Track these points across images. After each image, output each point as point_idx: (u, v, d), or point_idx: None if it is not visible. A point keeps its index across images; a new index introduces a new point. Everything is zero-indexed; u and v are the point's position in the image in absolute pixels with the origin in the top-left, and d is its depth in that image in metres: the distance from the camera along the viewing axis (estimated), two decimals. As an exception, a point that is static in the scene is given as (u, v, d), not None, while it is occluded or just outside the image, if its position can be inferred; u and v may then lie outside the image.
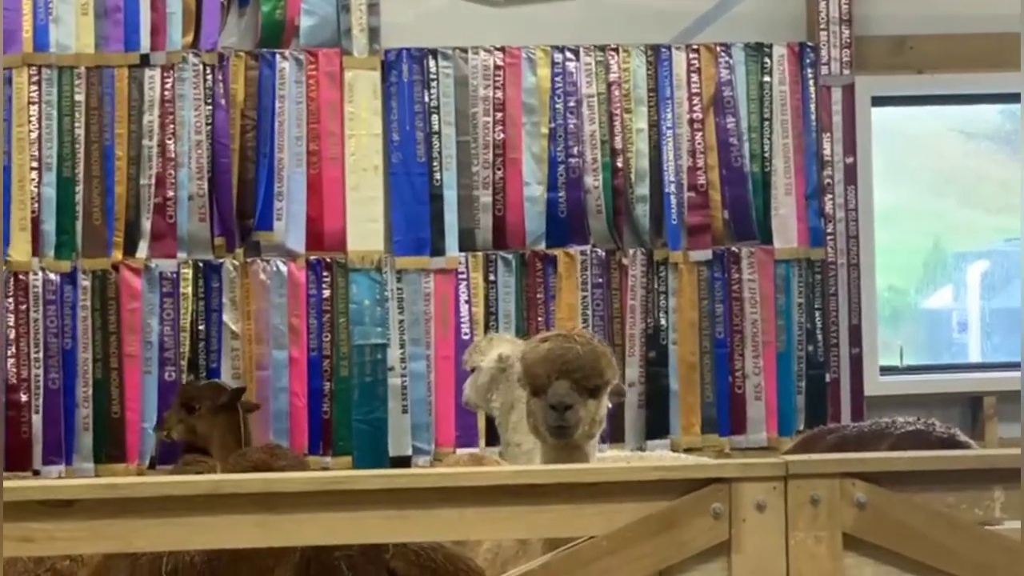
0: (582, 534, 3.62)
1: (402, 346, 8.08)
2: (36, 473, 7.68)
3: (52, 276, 7.84)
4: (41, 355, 7.78)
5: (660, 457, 6.66)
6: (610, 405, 4.54)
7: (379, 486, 3.59)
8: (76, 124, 7.92)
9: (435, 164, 8.15)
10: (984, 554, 3.63)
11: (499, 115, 8.20)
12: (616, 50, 8.27)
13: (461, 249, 8.15)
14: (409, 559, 4.65)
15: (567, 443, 4.39)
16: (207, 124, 7.99)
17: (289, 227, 8.04)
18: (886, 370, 8.56)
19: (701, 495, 3.62)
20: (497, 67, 8.21)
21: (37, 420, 7.75)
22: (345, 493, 3.56)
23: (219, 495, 3.54)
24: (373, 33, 8.12)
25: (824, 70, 8.38)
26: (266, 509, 3.54)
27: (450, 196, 8.16)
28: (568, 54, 8.25)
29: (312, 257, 8.05)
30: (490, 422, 7.76)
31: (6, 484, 3.83)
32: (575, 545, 3.62)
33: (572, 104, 8.23)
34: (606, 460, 5.16)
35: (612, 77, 8.25)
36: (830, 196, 8.38)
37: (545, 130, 8.22)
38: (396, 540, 4.16)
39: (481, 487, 3.62)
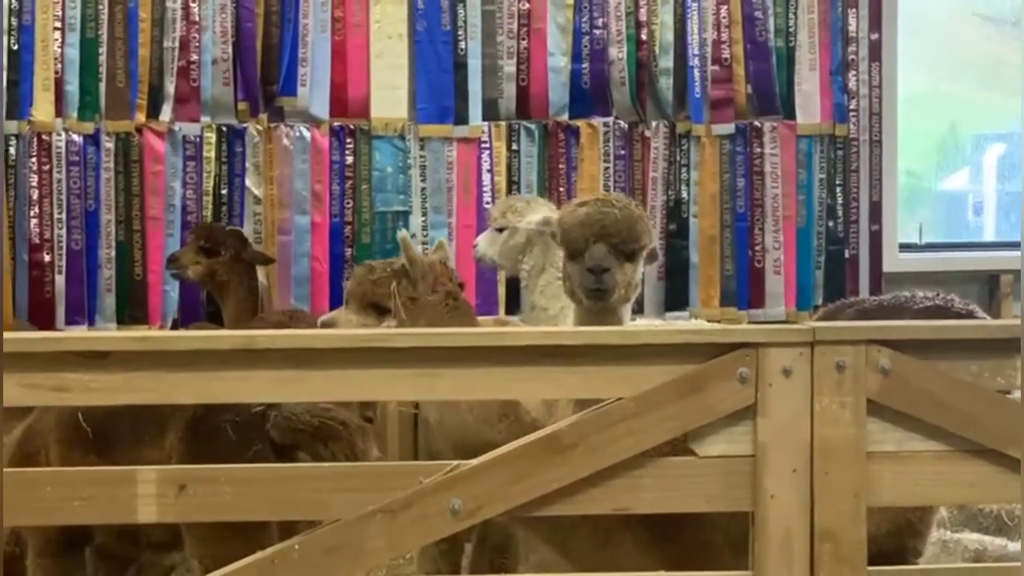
0: (610, 396, 3.68)
1: (424, 214, 8.10)
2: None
3: (75, 137, 7.83)
4: (64, 216, 7.80)
5: (695, 323, 6.70)
6: (644, 270, 4.58)
7: (411, 344, 3.64)
8: (100, -16, 7.88)
9: (460, 33, 8.11)
10: (1006, 421, 3.68)
11: (524, -16, 8.16)
12: (644, -81, 8.20)
13: (484, 118, 8.14)
14: (286, 426, 4.76)
15: (603, 306, 4.42)
16: (231, -12, 7.95)
17: (313, 93, 8.02)
18: (905, 247, 8.57)
19: (728, 359, 3.67)
20: (523, -65, 8.16)
21: (60, 280, 7.79)
22: (378, 351, 3.61)
23: (253, 350, 3.59)
24: (402, -103, 8.06)
25: (851, -56, 8.31)
26: (299, 365, 3.60)
27: (474, 65, 8.13)
28: (594, -78, 8.19)
29: (335, 123, 8.04)
30: (510, 289, 7.84)
31: (42, 335, 3.88)
32: (603, 406, 3.68)
33: (598, -26, 8.18)
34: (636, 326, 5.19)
35: (638, -53, 8.20)
36: (854, 72, 8.34)
37: (570, 1, 8.17)
38: (427, 398, 4.21)
39: (512, 347, 3.67)
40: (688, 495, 3.74)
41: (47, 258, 7.78)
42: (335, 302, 7.98)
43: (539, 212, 5.87)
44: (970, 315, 5.96)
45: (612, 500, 3.72)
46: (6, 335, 3.50)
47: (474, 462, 3.65)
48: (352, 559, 3.61)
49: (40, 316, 7.71)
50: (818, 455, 3.66)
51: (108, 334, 4.45)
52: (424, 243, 8.04)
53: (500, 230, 5.95)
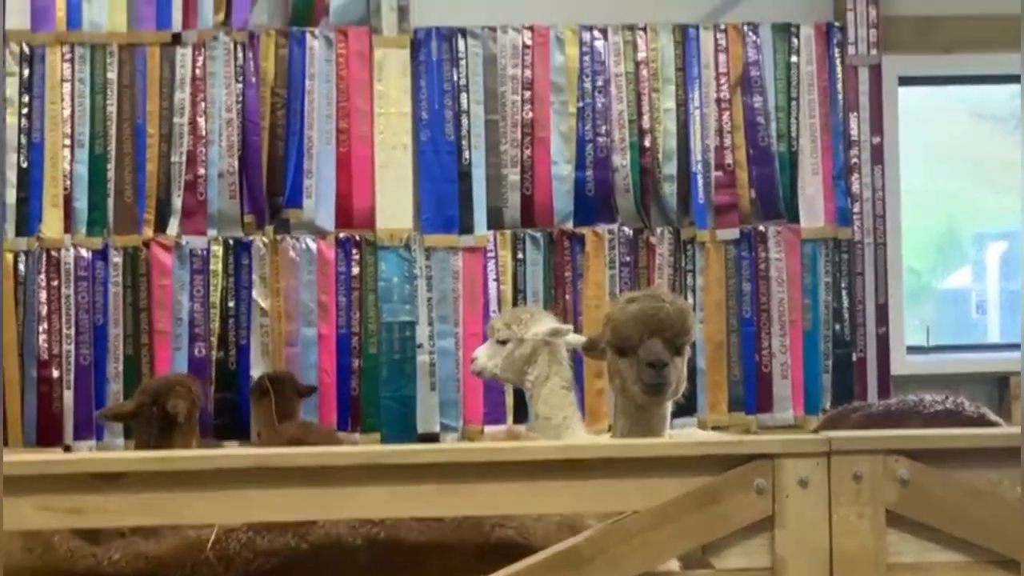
0: (626, 509, 3.66)
1: (430, 323, 8.12)
2: (67, 448, 7.73)
3: (84, 252, 7.88)
4: (73, 331, 7.83)
5: (692, 433, 6.70)
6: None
7: (428, 460, 3.63)
8: (108, 102, 7.96)
9: (464, 142, 8.17)
10: (1025, 531, 3.66)
11: (527, 94, 8.23)
12: (644, 29, 8.29)
13: (489, 227, 8.19)
14: None
15: (659, 401, 4.47)
16: (238, 102, 8.02)
17: (319, 204, 8.08)
18: (913, 349, 8.58)
19: (744, 470, 3.66)
20: (525, 46, 8.24)
21: (68, 395, 7.80)
22: (394, 467, 3.60)
23: (269, 468, 3.58)
24: (402, 12, 8.15)
25: (851, 50, 8.39)
26: (315, 483, 3.58)
27: (478, 174, 8.19)
28: (596, 33, 8.27)
29: (341, 234, 8.09)
30: (517, 399, 7.83)
31: (56, 457, 3.87)
32: (620, 519, 3.66)
33: (600, 83, 8.26)
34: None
35: (640, 56, 8.27)
36: (857, 176, 8.40)
37: (573, 109, 8.24)
38: (444, 514, 4.20)
39: (527, 462, 3.66)
40: (707, 609, 3.72)
41: (56, 373, 7.79)
42: (343, 413, 8.01)
43: (544, 323, 5.90)
44: (982, 418, 5.93)
45: (631, 614, 3.70)
46: (21, 458, 3.49)
47: (494, 577, 3.64)
48: None
49: (49, 431, 7.72)
50: (837, 567, 3.64)
51: (122, 455, 4.42)
52: (431, 352, 8.05)
53: (503, 342, 5.97)
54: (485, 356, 6.09)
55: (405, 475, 3.60)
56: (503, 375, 6.02)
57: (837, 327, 8.35)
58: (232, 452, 3.75)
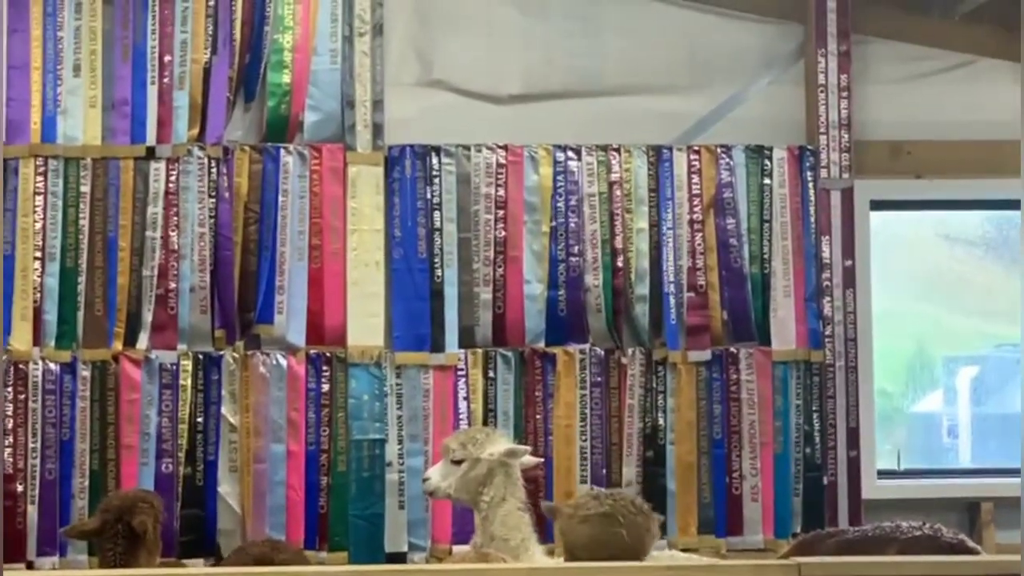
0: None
1: (400, 441, 8.08)
2: (30, 564, 7.63)
3: (52, 366, 7.83)
4: (39, 445, 7.77)
5: (671, 556, 6.66)
6: None
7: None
8: (80, 215, 7.95)
9: (436, 260, 8.18)
10: (998, 664, 3.64)
11: (500, 212, 8.26)
12: (618, 150, 8.33)
13: (461, 346, 8.17)
14: None
15: None
16: (210, 217, 8.02)
17: (290, 321, 8.06)
18: (884, 474, 8.56)
19: (715, 598, 3.64)
20: (499, 165, 8.28)
21: (33, 511, 7.72)
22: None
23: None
24: (377, 129, 8.19)
25: (823, 173, 8.45)
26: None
27: (451, 293, 8.19)
28: (570, 153, 8.32)
29: (312, 351, 8.06)
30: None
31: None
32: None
33: (573, 203, 8.29)
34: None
35: (614, 177, 8.32)
36: (829, 299, 8.42)
37: (546, 228, 8.27)
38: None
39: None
40: None
41: (20, 488, 7.71)
42: (310, 531, 7.94)
43: (499, 444, 5.91)
44: (961, 544, 5.92)
45: None
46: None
47: None
48: None
49: (12, 547, 7.61)
50: None
51: (83, 573, 4.37)
52: (400, 470, 8.01)
53: (458, 462, 5.95)
54: (439, 476, 6.07)
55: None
56: (456, 495, 6.00)
57: (808, 450, 8.32)
58: (200, 572, 3.71)
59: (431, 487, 6.11)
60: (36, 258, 7.88)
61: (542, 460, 7.63)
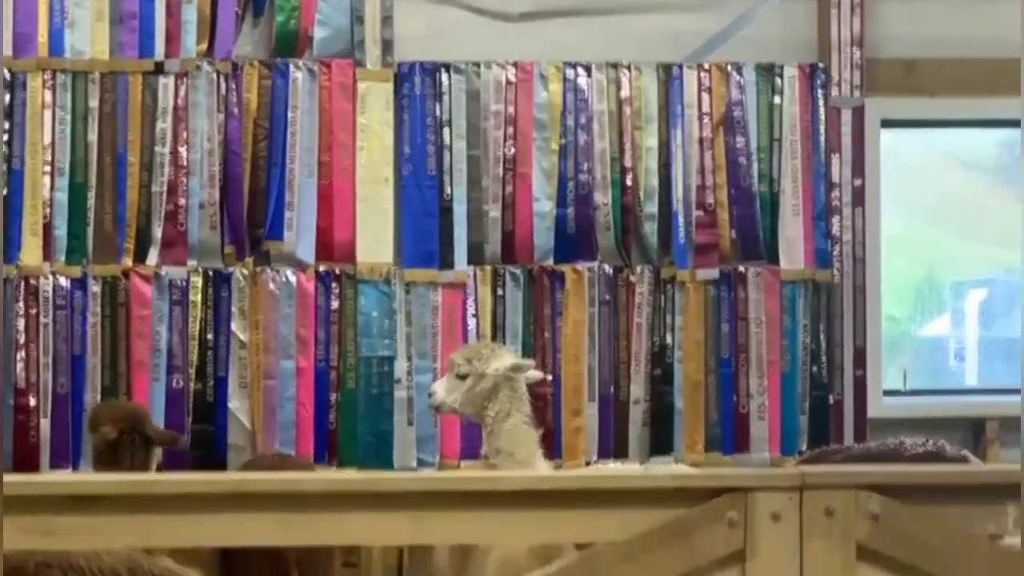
0: (599, 539, 3.66)
1: (409, 358, 8.11)
2: (41, 477, 7.69)
3: (62, 281, 7.86)
4: (50, 360, 7.81)
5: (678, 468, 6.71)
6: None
7: (400, 488, 3.62)
8: (89, 130, 7.95)
9: (445, 177, 8.18)
10: (995, 567, 3.66)
11: (510, 130, 8.24)
12: (628, 68, 8.31)
13: (470, 263, 8.18)
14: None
15: None
16: (219, 133, 8.02)
17: (299, 237, 8.07)
18: (889, 393, 8.59)
19: (717, 504, 3.65)
20: (509, 82, 8.26)
21: (45, 424, 7.78)
22: (367, 495, 3.59)
23: (241, 493, 3.57)
24: (386, 45, 8.17)
25: (834, 91, 8.41)
26: (287, 509, 3.57)
27: (459, 210, 8.19)
28: (580, 71, 8.29)
29: (321, 268, 8.08)
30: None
31: (26, 479, 3.86)
32: (590, 552, 3.65)
33: (583, 121, 8.27)
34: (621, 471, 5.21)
35: (623, 95, 8.29)
36: (837, 218, 8.41)
37: (555, 146, 8.25)
38: (416, 542, 4.20)
39: (500, 491, 3.65)
40: (678, 641, 3.71)
41: (32, 402, 7.76)
42: (320, 447, 7.99)
43: (504, 359, 5.92)
44: (963, 461, 5.96)
45: (601, 646, 3.68)
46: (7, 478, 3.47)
47: (462, 608, 3.63)
48: None
49: (25, 460, 7.67)
50: (808, 601, 3.64)
51: (96, 477, 4.41)
52: (409, 387, 8.04)
53: (463, 377, 5.97)
54: (444, 391, 6.09)
55: (377, 503, 3.59)
56: (462, 410, 6.03)
57: (815, 369, 8.35)
58: (207, 477, 3.75)
59: (436, 402, 6.14)
60: (45, 173, 7.89)
61: (548, 376, 7.68)
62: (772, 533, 3.65)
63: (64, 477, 3.88)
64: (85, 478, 4.23)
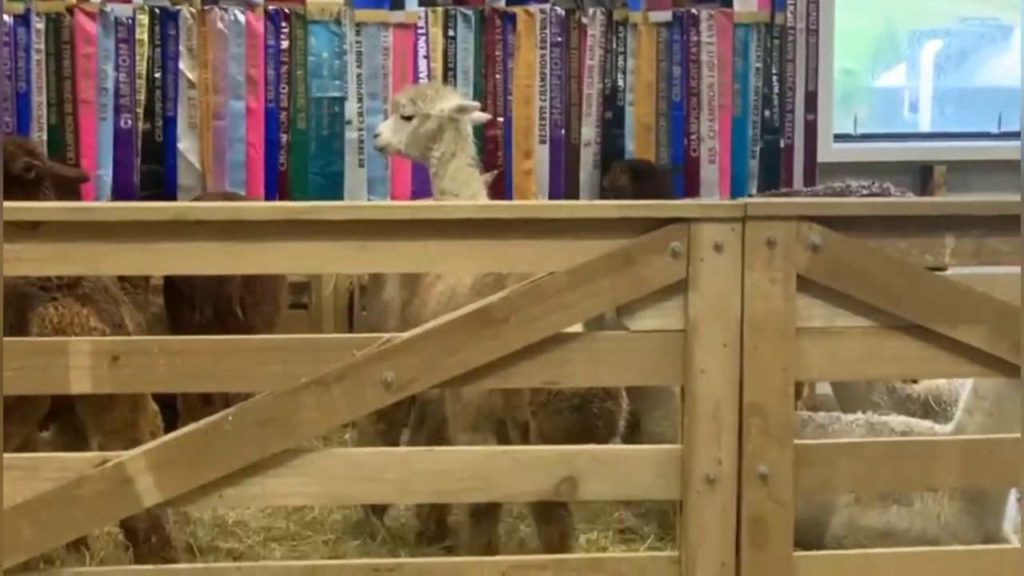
0: (543, 269, 3.70)
1: (360, 100, 8.05)
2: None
3: (6, 17, 7.71)
4: (-6, 97, 7.72)
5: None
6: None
7: (345, 217, 3.64)
8: None
9: (395, -87, 8.03)
10: (932, 297, 3.73)
11: None
12: None
13: (421, 3, 8.06)
14: None
15: None
16: None
17: (247, -26, 7.94)
18: (840, 137, 8.61)
19: (661, 234, 3.70)
20: None
21: (-10, 160, 7.71)
22: (311, 223, 3.61)
23: (186, 221, 3.58)
24: None
25: None
26: (232, 237, 3.60)
27: (410, -53, 8.06)
28: None
29: (271, 7, 7.95)
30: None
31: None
32: (535, 280, 3.70)
33: None
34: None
35: None
36: (792, -40, 8.32)
37: None
38: (362, 271, 4.22)
39: (446, 220, 3.68)
40: (619, 369, 3.78)
41: (-22, 140, 7.69)
42: (270, 188, 7.98)
43: (449, 99, 5.88)
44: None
45: (543, 374, 3.75)
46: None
47: (407, 335, 3.67)
48: (285, 431, 3.62)
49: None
50: (748, 330, 3.70)
51: (41, 205, 4.40)
52: (360, 129, 8.01)
53: (408, 118, 5.95)
54: (389, 131, 6.06)
55: (323, 232, 3.61)
56: (407, 151, 6.01)
57: (766, 113, 8.35)
58: (152, 205, 3.74)
59: (382, 143, 6.12)
60: (-14, -95, 7.69)
61: (496, 118, 7.65)
62: (714, 263, 3.71)
63: (22, 204, 3.86)
64: (40, 205, 4.22)
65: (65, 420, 5.07)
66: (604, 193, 7.79)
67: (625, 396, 4.83)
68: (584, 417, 4.65)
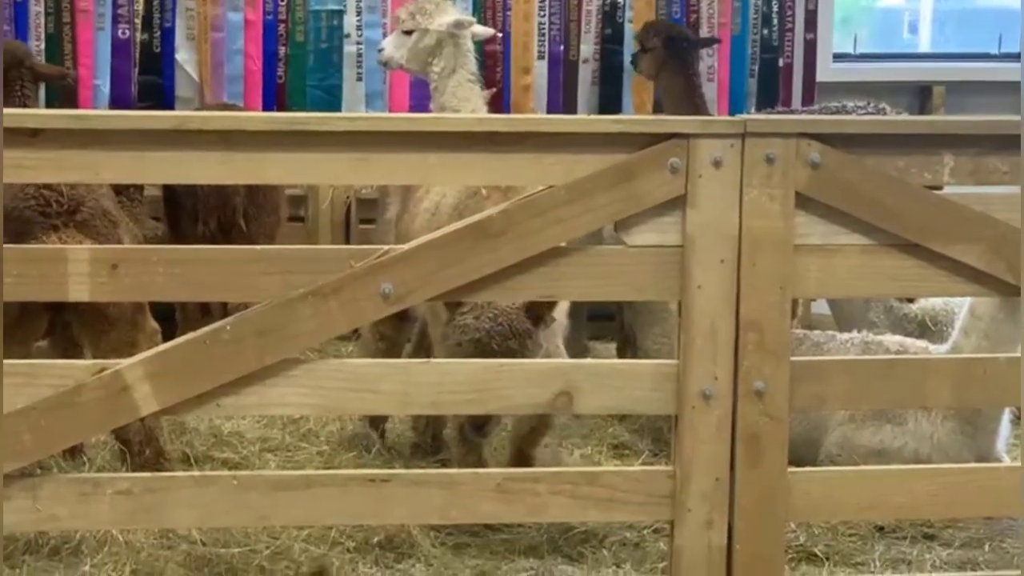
0: (542, 183, 3.70)
1: (359, 13, 8.00)
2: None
3: (3, -76, 7.67)
4: (-7, 5, 7.67)
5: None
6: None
7: (345, 128, 3.63)
8: None
9: None
10: (930, 216, 3.74)
11: None
12: None
13: (422, -85, 8.01)
14: None
15: None
16: None
17: None
18: (839, 57, 8.58)
19: (660, 149, 3.70)
20: None
21: (-11, 67, 7.67)
22: (311, 134, 3.60)
23: (185, 131, 3.58)
24: None
25: None
26: (231, 147, 3.59)
27: None
28: None
29: (269, -83, 7.92)
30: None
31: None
32: (534, 194, 3.70)
33: None
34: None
35: None
36: None
37: None
38: (359, 182, 4.23)
39: (444, 132, 3.68)
40: (616, 284, 3.79)
41: (-25, 51, 7.65)
42: (268, 101, 7.95)
43: (449, 14, 5.86)
44: (901, 120, 6.00)
45: (540, 287, 3.77)
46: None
47: (405, 247, 3.68)
48: (283, 341, 3.64)
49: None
50: (746, 246, 3.71)
51: (41, 112, 4.40)
52: (359, 42, 7.97)
53: (408, 32, 5.93)
54: (392, 46, 6.05)
55: (321, 143, 3.61)
56: (408, 65, 6.01)
57: (765, 32, 8.31)
58: (146, 113, 3.74)
59: (384, 57, 6.11)
60: None
61: (496, 33, 7.61)
62: (713, 179, 3.71)
63: (21, 111, 3.85)
64: (39, 112, 4.22)
65: (61, 335, 5.09)
66: (633, 57, 7.72)
67: (535, 340, 4.74)
68: (482, 353, 4.57)
